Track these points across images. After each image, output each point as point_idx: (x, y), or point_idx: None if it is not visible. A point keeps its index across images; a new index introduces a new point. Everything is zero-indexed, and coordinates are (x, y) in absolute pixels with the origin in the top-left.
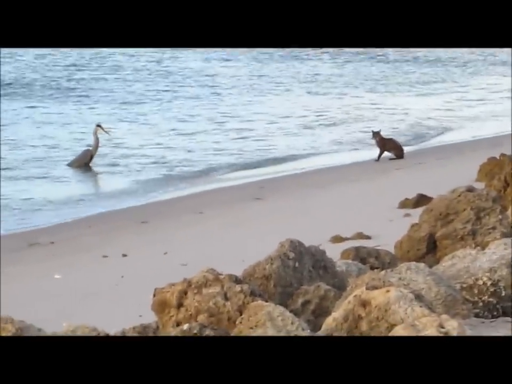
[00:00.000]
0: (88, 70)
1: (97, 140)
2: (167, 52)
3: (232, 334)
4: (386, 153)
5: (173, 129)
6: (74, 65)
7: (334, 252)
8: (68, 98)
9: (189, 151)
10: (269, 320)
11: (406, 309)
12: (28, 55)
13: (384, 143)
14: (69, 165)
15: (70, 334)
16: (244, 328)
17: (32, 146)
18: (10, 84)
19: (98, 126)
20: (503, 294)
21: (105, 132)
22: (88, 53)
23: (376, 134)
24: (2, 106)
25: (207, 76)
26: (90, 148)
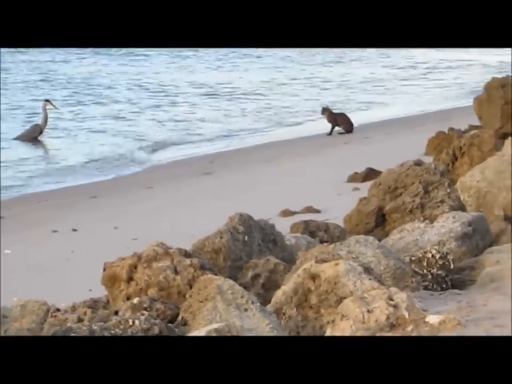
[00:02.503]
0: None
1: (46, 114)
2: None
3: (182, 308)
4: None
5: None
6: None
7: (283, 226)
8: None
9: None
10: (219, 294)
11: (355, 281)
12: None
13: (335, 118)
14: (16, 138)
15: (19, 309)
16: (193, 301)
17: None
18: None
19: (47, 101)
20: (452, 266)
21: (54, 106)
22: None
23: (325, 110)
24: None
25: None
26: (39, 123)
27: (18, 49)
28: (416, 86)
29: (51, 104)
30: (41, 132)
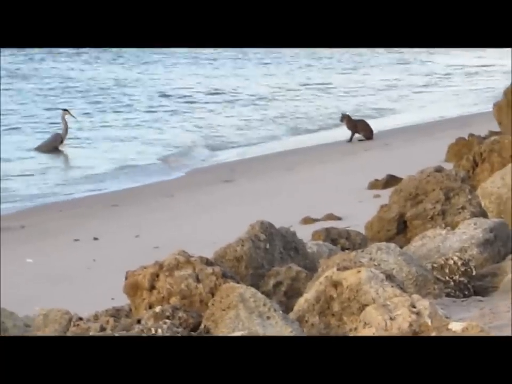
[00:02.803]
0: None
1: (66, 124)
2: None
3: (204, 316)
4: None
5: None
6: None
7: (304, 233)
8: None
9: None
10: (241, 302)
11: (377, 289)
12: None
13: (355, 125)
14: (37, 149)
15: (42, 318)
16: (216, 310)
17: None
18: None
19: (65, 110)
20: (474, 273)
21: (72, 116)
22: None
23: (344, 117)
24: None
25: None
26: (60, 132)
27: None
28: (434, 93)
29: (69, 113)
30: (61, 141)
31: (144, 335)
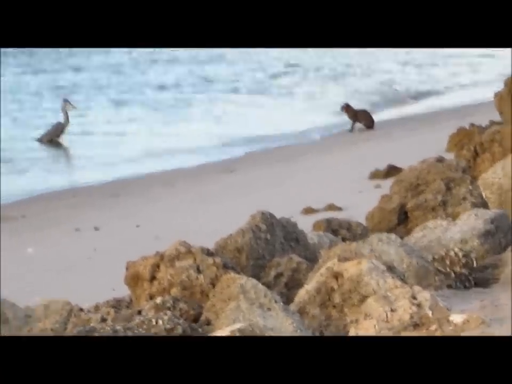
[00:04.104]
0: None
1: (66, 114)
2: None
3: (205, 307)
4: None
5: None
6: None
7: (305, 224)
8: None
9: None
10: (242, 293)
11: (378, 280)
12: None
13: (355, 114)
14: (39, 140)
15: (43, 308)
16: (216, 301)
17: None
18: None
19: (66, 101)
20: (475, 265)
21: (73, 106)
22: None
23: (346, 107)
24: None
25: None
26: (62, 121)
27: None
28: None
29: (69, 104)
30: (63, 131)
31: (144, 327)
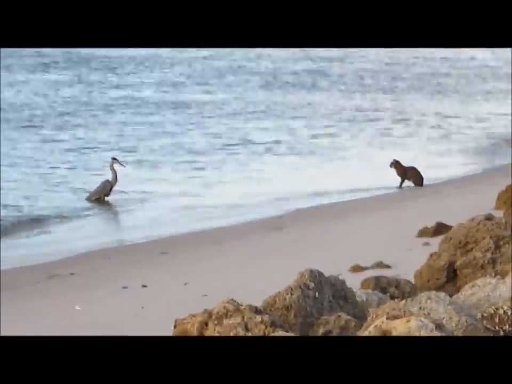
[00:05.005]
0: None
1: (115, 172)
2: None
3: None
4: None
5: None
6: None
7: (354, 282)
8: None
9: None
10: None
11: None
12: None
13: (405, 171)
14: (87, 198)
15: None
16: None
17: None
18: None
19: (114, 159)
20: None
21: (121, 164)
22: None
23: (395, 163)
24: None
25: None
26: (110, 180)
27: None
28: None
29: (118, 162)
30: (111, 189)
31: None
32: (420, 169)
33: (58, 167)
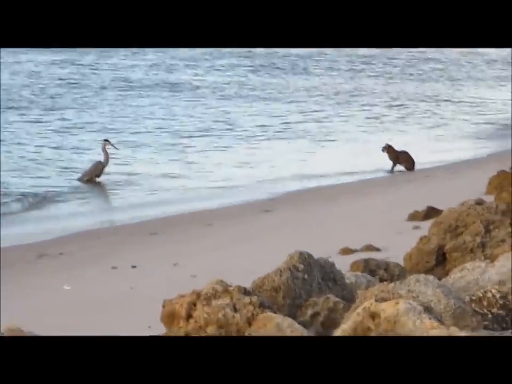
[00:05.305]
0: None
1: (107, 153)
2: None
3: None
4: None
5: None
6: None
7: (343, 264)
8: None
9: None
10: (278, 332)
11: (415, 321)
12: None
13: (397, 156)
14: (79, 179)
15: None
16: None
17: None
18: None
19: (106, 140)
20: None
21: (114, 146)
22: None
23: (387, 147)
24: None
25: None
26: (102, 160)
27: None
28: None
29: (110, 144)
30: (102, 170)
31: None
32: (417, 154)
33: (44, 146)
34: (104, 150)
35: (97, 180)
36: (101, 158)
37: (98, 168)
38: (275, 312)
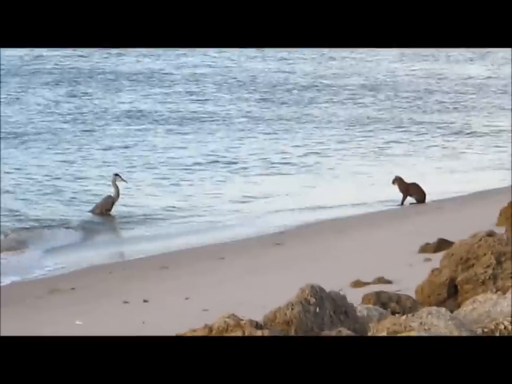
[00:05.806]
0: None
1: (117, 188)
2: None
3: None
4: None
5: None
6: None
7: (355, 297)
8: None
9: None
10: None
11: None
12: None
13: (407, 188)
14: (91, 211)
15: None
16: None
17: None
18: None
19: (116, 175)
20: None
21: (123, 180)
22: None
23: (397, 179)
24: None
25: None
26: (112, 195)
27: None
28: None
29: (120, 178)
30: (113, 204)
31: None
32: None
33: (52, 177)
34: (114, 184)
35: (109, 213)
36: (111, 192)
37: (109, 203)
38: None
